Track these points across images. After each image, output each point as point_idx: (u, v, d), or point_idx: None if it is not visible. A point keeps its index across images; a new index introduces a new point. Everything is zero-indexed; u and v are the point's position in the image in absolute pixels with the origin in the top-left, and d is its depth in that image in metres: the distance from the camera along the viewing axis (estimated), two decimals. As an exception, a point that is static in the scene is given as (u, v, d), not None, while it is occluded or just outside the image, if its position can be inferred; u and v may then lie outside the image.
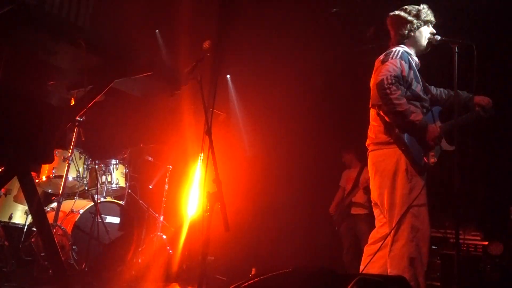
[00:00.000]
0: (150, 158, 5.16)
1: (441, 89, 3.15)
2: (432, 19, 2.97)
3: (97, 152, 4.94)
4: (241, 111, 6.39)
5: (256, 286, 1.19)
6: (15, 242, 4.02)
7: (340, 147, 5.65)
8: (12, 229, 4.22)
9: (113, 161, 4.70)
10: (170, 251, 4.94)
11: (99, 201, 4.26)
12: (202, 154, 4.17)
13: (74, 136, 4.07)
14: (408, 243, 2.57)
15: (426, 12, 2.95)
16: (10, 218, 4.26)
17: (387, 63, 2.73)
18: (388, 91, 2.62)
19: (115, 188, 4.69)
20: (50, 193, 4.73)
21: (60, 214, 4.05)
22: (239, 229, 5.69)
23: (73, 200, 4.34)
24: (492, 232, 5.06)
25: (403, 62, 2.75)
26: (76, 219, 4.05)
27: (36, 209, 1.85)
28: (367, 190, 5.18)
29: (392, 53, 2.79)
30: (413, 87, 2.82)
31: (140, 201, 5.10)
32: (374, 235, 2.92)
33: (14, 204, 4.33)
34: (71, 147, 4.11)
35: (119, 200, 4.59)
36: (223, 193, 2.25)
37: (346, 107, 5.83)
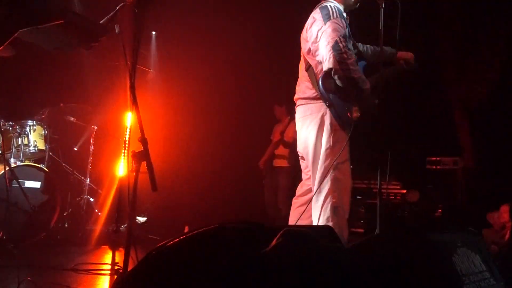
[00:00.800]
0: (72, 119, 4.85)
1: (368, 45, 3.21)
2: None
3: (11, 112, 4.54)
4: (169, 69, 6.16)
5: (183, 243, 1.16)
6: None
7: (273, 102, 5.68)
8: None
9: (30, 122, 4.33)
10: (99, 213, 4.78)
11: (15, 165, 3.95)
12: (129, 113, 3.98)
13: (-20, 95, 3.68)
14: (331, 193, 2.70)
15: None
16: None
17: (331, 22, 2.70)
18: (345, 55, 2.61)
19: (34, 151, 4.36)
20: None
21: (-29, 181, 3.70)
22: (171, 188, 5.62)
23: (-15, 166, 3.98)
24: (410, 182, 5.48)
25: (343, 21, 2.76)
26: (-11, 186, 3.73)
27: None
28: (288, 144, 5.34)
29: (331, 11, 2.75)
30: (348, 45, 2.84)
31: (64, 164, 4.82)
32: (301, 188, 3.03)
33: None
34: (-22, 107, 3.71)
35: (39, 164, 4.29)
36: (149, 152, 2.15)
37: (278, 62, 5.83)
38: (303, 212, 2.86)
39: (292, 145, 5.18)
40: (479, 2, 5.88)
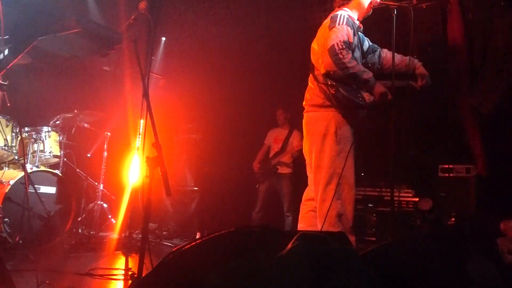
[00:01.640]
0: (86, 125, 4.92)
1: (388, 51, 3.22)
2: None
3: (27, 119, 4.62)
4: (179, 75, 6.21)
5: (198, 247, 1.18)
6: None
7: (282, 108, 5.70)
8: None
9: (45, 128, 4.42)
10: (112, 219, 4.83)
11: (31, 170, 4.02)
12: (141, 119, 4.03)
13: (-2, 102, 3.76)
14: (335, 201, 2.74)
15: None
16: None
17: (334, 29, 2.79)
18: (340, 55, 2.70)
19: (49, 156, 4.44)
20: (-26, 164, 4.39)
21: (-12, 186, 3.78)
22: (185, 194, 5.66)
23: (2, 171, 4.06)
24: (423, 189, 5.43)
25: (349, 29, 2.83)
26: (7, 191, 3.80)
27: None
28: (294, 154, 5.39)
29: (338, 18, 2.84)
30: (355, 54, 2.92)
31: (78, 170, 4.88)
32: (307, 193, 3.07)
33: None
34: (-5, 114, 3.79)
35: (54, 170, 4.35)
36: (163, 158, 2.18)
37: (289, 68, 5.85)
38: (307, 217, 2.90)
39: (297, 153, 5.29)
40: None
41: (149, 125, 2.32)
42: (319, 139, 2.88)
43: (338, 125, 2.85)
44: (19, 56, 1.89)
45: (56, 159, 4.58)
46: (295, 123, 5.31)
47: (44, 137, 4.37)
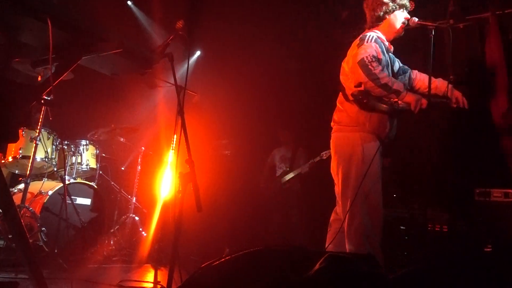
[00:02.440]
0: (122, 139, 5.07)
1: (422, 74, 3.19)
2: (407, 4, 3.04)
3: (67, 133, 4.82)
4: (213, 92, 6.33)
5: (228, 264, 1.20)
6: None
7: (311, 123, 5.75)
8: (-23, 211, 4.09)
9: (83, 142, 4.60)
10: (143, 232, 4.92)
11: (68, 182, 4.17)
12: (175, 135, 4.12)
13: (41, 116, 3.94)
14: (363, 222, 2.71)
15: None
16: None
17: (362, 46, 2.84)
18: (370, 66, 2.73)
19: (86, 169, 4.60)
20: (17, 174, 4.59)
21: (28, 196, 3.94)
22: (213, 210, 5.71)
23: (42, 181, 4.23)
24: (458, 213, 5.25)
25: (377, 46, 2.87)
26: (45, 201, 3.96)
27: (1, 190, 1.79)
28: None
29: (366, 37, 2.90)
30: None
31: (112, 183, 5.03)
32: (335, 213, 3.06)
33: (-21, 185, 4.19)
34: (39, 127, 3.98)
35: (90, 182, 4.51)
36: (195, 174, 2.23)
37: (324, 85, 5.87)
38: (337, 237, 2.88)
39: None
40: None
41: (182, 141, 2.39)
42: (347, 159, 2.89)
43: (365, 146, 2.86)
44: (65, 74, 1.99)
45: (92, 172, 4.74)
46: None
47: (82, 150, 4.55)
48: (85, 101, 5.45)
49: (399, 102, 2.78)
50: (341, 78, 3.06)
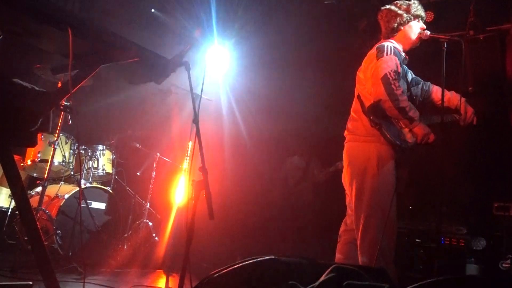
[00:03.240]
0: (138, 145, 5.13)
1: (435, 86, 3.15)
2: (423, 14, 3.01)
3: (85, 137, 4.91)
4: (231, 96, 6.36)
5: (235, 273, 1.21)
6: (-1, 226, 4.00)
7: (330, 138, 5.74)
8: (-4, 213, 4.20)
9: (100, 147, 4.68)
10: (156, 238, 4.95)
11: (84, 186, 4.24)
12: (190, 142, 4.17)
13: (60, 121, 4.03)
14: (376, 234, 2.66)
15: (416, 7, 2.99)
16: (-6, 201, 4.23)
17: (383, 58, 2.78)
18: (393, 86, 2.69)
19: (102, 174, 4.67)
20: (35, 177, 4.69)
21: (45, 199, 4.02)
22: (226, 217, 5.72)
23: (59, 185, 4.31)
24: (475, 227, 5.14)
25: (397, 59, 2.82)
26: (61, 204, 4.03)
27: (19, 193, 1.83)
28: (314, 184, 5.57)
29: (385, 49, 2.83)
30: (402, 85, 2.87)
31: (127, 188, 5.08)
32: (345, 224, 3.01)
33: (-1, 187, 4.30)
34: (57, 131, 4.07)
35: (105, 186, 4.57)
36: (208, 182, 2.24)
37: (334, 98, 5.87)
38: (344, 249, 2.86)
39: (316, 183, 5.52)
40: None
41: (197, 148, 2.41)
42: (361, 171, 2.83)
43: (380, 157, 2.80)
44: (83, 82, 2.04)
45: (108, 176, 4.81)
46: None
47: (99, 155, 4.62)
48: (103, 107, 5.55)
49: (408, 140, 2.76)
50: (357, 87, 3.03)
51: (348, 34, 5.57)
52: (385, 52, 2.81)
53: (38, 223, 1.85)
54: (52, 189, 4.24)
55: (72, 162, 4.46)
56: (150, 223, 5.00)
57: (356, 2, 5.03)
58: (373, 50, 2.93)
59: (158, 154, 5.18)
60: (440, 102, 2.87)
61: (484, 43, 4.97)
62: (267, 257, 1.21)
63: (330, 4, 5.18)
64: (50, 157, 4.00)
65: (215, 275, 1.27)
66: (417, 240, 5.07)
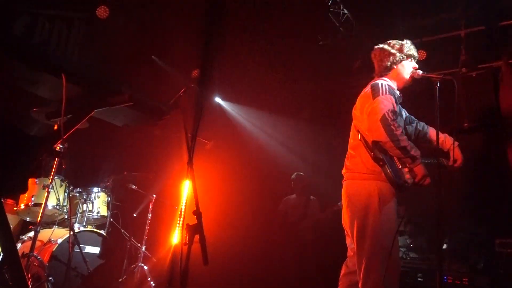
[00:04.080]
0: (133, 187, 5.08)
1: (429, 127, 3.15)
2: (415, 54, 3.05)
3: (80, 180, 4.86)
4: (227, 139, 6.39)
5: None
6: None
7: (325, 171, 5.74)
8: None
9: (95, 189, 4.62)
10: (151, 282, 4.80)
11: (78, 230, 4.16)
12: (185, 183, 4.13)
13: (55, 164, 4.00)
14: (380, 277, 2.58)
15: (409, 46, 3.03)
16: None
17: (379, 98, 2.76)
18: (393, 127, 2.67)
19: (97, 217, 4.60)
20: (28, 221, 4.60)
21: (38, 244, 3.93)
22: (223, 260, 5.57)
23: (52, 229, 4.23)
24: (478, 265, 5.03)
25: (392, 98, 2.81)
26: (54, 249, 3.93)
27: (5, 240, 1.78)
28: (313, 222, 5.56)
29: (380, 87, 2.82)
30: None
31: (122, 231, 4.98)
32: (346, 266, 2.92)
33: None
34: (52, 175, 4.03)
35: (100, 229, 4.48)
36: (202, 226, 2.19)
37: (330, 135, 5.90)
38: None
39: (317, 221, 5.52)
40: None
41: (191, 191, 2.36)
42: (362, 209, 2.76)
43: (382, 195, 2.74)
44: (77, 126, 2.04)
45: (103, 219, 4.73)
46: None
47: (93, 198, 4.57)
48: (99, 149, 5.54)
49: (408, 181, 2.75)
50: (355, 123, 3.00)
51: (342, 73, 5.67)
52: (381, 91, 2.80)
53: (29, 270, 1.79)
54: (45, 234, 4.15)
55: (66, 206, 4.39)
56: (146, 267, 4.87)
57: (349, 43, 5.13)
58: (368, 88, 2.93)
59: (154, 195, 5.12)
60: (433, 144, 2.86)
61: (477, 80, 5.05)
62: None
63: (323, 45, 5.28)
64: (44, 200, 3.94)
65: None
66: (419, 279, 4.95)
